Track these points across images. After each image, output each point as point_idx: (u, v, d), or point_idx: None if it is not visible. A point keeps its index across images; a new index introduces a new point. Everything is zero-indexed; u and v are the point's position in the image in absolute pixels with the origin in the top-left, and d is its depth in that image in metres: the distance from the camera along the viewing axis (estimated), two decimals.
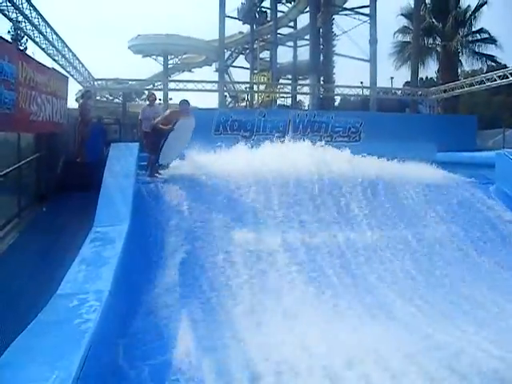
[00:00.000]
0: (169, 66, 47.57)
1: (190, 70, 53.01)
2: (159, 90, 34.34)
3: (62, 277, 6.21)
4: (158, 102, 18.23)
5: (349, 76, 60.26)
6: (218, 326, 7.28)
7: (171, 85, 32.69)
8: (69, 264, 6.66)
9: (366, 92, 34.14)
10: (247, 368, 6.19)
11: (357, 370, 6.26)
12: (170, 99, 38.29)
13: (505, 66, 32.34)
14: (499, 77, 22.97)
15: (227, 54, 50.06)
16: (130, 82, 36.38)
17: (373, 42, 40.30)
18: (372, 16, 40.97)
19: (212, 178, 11.96)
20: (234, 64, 53.85)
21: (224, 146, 13.75)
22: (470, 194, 13.34)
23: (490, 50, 32.18)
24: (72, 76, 23.49)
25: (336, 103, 48.64)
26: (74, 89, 21.14)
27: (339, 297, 8.67)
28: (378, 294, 9.02)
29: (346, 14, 44.88)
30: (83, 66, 25.38)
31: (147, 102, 15.72)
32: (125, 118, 29.45)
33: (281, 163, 12.73)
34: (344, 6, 43.71)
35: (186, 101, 12.99)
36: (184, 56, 49.19)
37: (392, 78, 39.24)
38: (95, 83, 27.83)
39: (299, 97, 44.49)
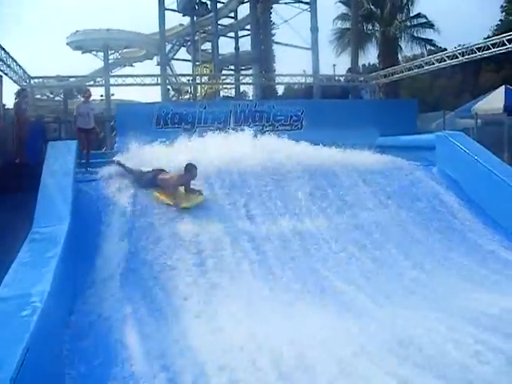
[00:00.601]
0: (109, 61, 46.77)
1: (131, 65, 52.31)
2: (101, 85, 33.86)
3: (1, 280, 6.05)
4: (100, 97, 17.93)
5: (292, 65, 60.23)
6: (164, 323, 7.26)
7: (113, 80, 32.26)
8: (8, 266, 6.50)
9: (310, 80, 34.30)
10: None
11: (300, 354, 6.33)
12: (113, 95, 37.85)
13: (444, 50, 33.00)
14: (437, 60, 23.34)
15: (168, 46, 49.51)
16: (71, 79, 35.83)
17: (313, 29, 40.44)
18: (312, 4, 41.11)
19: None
20: (175, 57, 53.39)
21: (166, 140, 13.63)
22: (412, 177, 13.55)
23: (428, 34, 32.72)
24: (6, 75, 22.97)
25: (280, 92, 48.88)
26: (11, 88, 20.59)
27: (285, 284, 8.79)
28: (322, 278, 9.13)
29: (286, 3, 44.98)
30: (17, 64, 24.80)
31: (82, 99, 15.52)
32: (66, 116, 28.94)
33: (223, 153, 12.72)
34: None
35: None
36: (125, 50, 48.49)
37: (334, 65, 39.61)
38: (32, 81, 27.25)
39: (243, 87, 44.52)
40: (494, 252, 10.74)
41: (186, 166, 10.96)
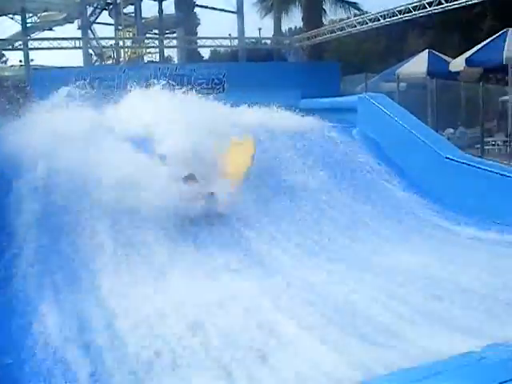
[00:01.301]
0: (28, 25, 44.97)
1: (50, 29, 50.42)
2: (19, 49, 32.58)
3: None
4: (19, 63, 17.28)
5: (218, 29, 59.49)
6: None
7: (31, 44, 31.04)
8: None
9: (235, 43, 33.87)
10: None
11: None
12: (32, 60, 36.48)
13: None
14: (359, 23, 23.31)
15: (89, 10, 47.99)
16: None
17: None
18: None
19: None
20: (97, 21, 51.81)
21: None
22: (333, 139, 13.57)
23: None
24: None
25: (206, 57, 48.25)
26: None
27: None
28: (246, 239, 9.10)
29: None
30: None
31: None
32: None
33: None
34: None
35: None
36: (43, 14, 46.67)
37: (260, 28, 39.04)
38: None
39: (168, 52, 43.62)
40: (410, 210, 10.93)
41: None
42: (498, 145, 16.37)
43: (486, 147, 15.43)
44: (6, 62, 50.70)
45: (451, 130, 17.12)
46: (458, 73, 20.72)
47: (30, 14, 45.79)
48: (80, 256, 8.11)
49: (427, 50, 24.20)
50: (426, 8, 19.71)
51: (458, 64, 20.59)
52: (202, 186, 9.99)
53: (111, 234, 8.63)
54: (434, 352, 4.91)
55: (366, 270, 7.79)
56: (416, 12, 20.26)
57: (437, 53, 24.26)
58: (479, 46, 20.24)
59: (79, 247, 8.30)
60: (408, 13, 20.58)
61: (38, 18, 47.23)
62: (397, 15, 21.08)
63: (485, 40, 20.48)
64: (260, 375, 5.32)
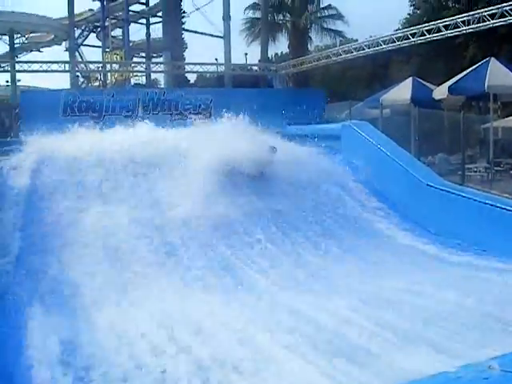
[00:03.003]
0: (15, 46, 45.09)
1: (38, 50, 50.65)
2: (6, 71, 32.66)
3: None
4: (5, 83, 17.46)
5: (205, 53, 59.95)
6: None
7: (18, 66, 31.07)
8: None
9: (222, 69, 34.14)
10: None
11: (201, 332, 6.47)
12: (19, 81, 36.58)
13: (355, 41, 33.57)
14: (345, 52, 23.67)
15: (78, 32, 48.30)
16: None
17: (226, 18, 40.37)
18: None
19: (57, 160, 11.65)
20: (85, 42, 52.08)
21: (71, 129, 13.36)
22: (317, 165, 13.76)
23: (338, 25, 33.12)
24: None
25: (192, 81, 48.55)
26: None
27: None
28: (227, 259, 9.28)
29: None
30: None
31: None
32: None
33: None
34: None
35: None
36: (32, 35, 46.82)
37: (246, 54, 39.47)
38: None
39: (155, 75, 43.88)
40: (390, 236, 11.12)
41: None
42: (479, 171, 16.62)
43: (468, 173, 15.65)
44: None
45: (434, 157, 17.38)
46: (441, 100, 21.12)
47: (18, 35, 45.87)
48: None
49: (411, 78, 24.57)
50: (410, 39, 20.15)
51: (441, 92, 20.96)
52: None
53: None
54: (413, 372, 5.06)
55: (342, 294, 7.92)
56: (400, 42, 20.67)
57: (421, 80, 24.65)
58: (462, 74, 20.64)
59: None
60: (392, 43, 20.97)
61: (26, 38, 47.29)
62: (381, 45, 21.47)
63: (468, 68, 20.88)
64: None
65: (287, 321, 7.16)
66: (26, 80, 39.34)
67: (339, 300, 7.80)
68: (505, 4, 16.33)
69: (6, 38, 44.74)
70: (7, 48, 45.04)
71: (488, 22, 17.28)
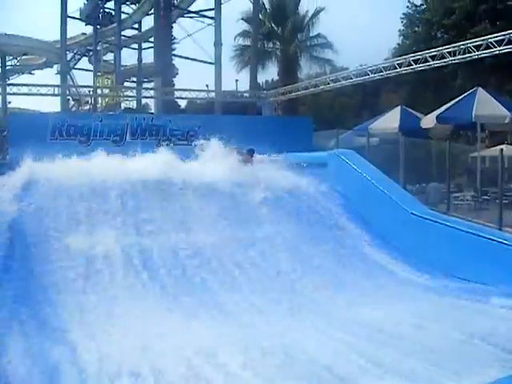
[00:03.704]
0: (7, 68, 45.28)
1: (30, 72, 50.91)
2: None
3: None
4: None
5: (196, 78, 60.29)
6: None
7: (9, 88, 31.22)
8: None
9: (212, 95, 34.35)
10: None
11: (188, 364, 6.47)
12: (9, 103, 36.65)
13: (345, 69, 33.91)
14: (332, 80, 23.95)
15: (70, 55, 48.59)
16: None
17: (217, 44, 40.70)
18: (216, 19, 41.37)
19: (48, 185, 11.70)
20: (76, 66, 52.37)
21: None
22: (303, 193, 13.78)
23: (327, 54, 33.52)
24: None
25: (183, 106, 48.79)
26: None
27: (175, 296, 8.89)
28: (213, 291, 9.25)
29: (190, 17, 45.10)
30: None
31: None
32: None
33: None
34: (189, 8, 43.98)
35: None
36: (23, 57, 47.06)
37: (237, 80, 39.68)
38: None
39: (145, 100, 44.11)
40: (378, 264, 11.16)
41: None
42: (467, 200, 16.68)
43: (456, 202, 15.72)
44: None
45: (423, 185, 17.44)
46: (429, 129, 21.31)
47: (10, 57, 46.06)
48: None
49: (400, 107, 24.78)
50: (397, 69, 20.43)
51: (429, 121, 21.18)
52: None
53: None
54: None
55: (330, 323, 7.94)
56: (387, 72, 20.95)
57: (409, 109, 24.87)
58: (449, 103, 20.85)
59: None
60: (379, 72, 21.24)
61: (18, 61, 47.50)
62: (369, 74, 21.74)
63: (456, 97, 21.11)
64: None
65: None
66: (16, 103, 39.38)
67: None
68: (490, 36, 16.59)
69: None
70: None
71: (473, 54, 17.56)
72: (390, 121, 23.54)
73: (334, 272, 10.75)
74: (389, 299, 9.27)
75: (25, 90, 28.60)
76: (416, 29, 44.13)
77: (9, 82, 40.48)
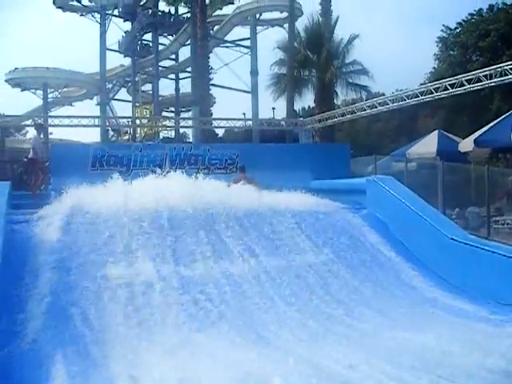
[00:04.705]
0: (49, 100, 46.41)
1: (70, 104, 52.05)
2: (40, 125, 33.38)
3: None
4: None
5: (234, 107, 60.96)
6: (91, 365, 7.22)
7: (50, 120, 31.90)
8: None
9: (249, 123, 34.69)
10: None
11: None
12: (51, 133, 37.50)
13: (382, 94, 34.00)
14: (369, 107, 24.05)
15: (109, 86, 49.65)
16: (7, 119, 35.32)
17: (254, 73, 41.26)
18: (252, 48, 42.03)
19: (89, 215, 11.78)
20: (115, 97, 53.40)
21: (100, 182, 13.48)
22: (343, 220, 13.82)
23: (363, 80, 33.53)
24: None
25: (220, 135, 49.24)
26: None
27: (219, 327, 8.87)
28: (256, 320, 9.26)
29: (227, 47, 45.81)
30: None
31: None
32: (4, 155, 28.45)
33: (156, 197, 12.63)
34: (225, 38, 44.67)
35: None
36: (64, 89, 48.21)
37: (274, 108, 39.98)
38: None
39: (183, 129, 44.70)
40: (417, 290, 11.11)
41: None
42: (507, 224, 16.52)
43: (496, 226, 15.59)
44: (25, 134, 51.86)
45: (463, 210, 17.32)
46: (467, 153, 21.24)
47: (52, 90, 47.20)
48: None
49: (437, 131, 24.77)
50: (433, 93, 20.44)
51: (467, 145, 21.11)
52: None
53: None
54: None
55: (368, 349, 7.90)
56: (423, 97, 20.97)
57: (446, 133, 24.85)
58: (487, 126, 20.78)
59: None
60: (416, 97, 21.28)
61: (59, 93, 48.63)
62: (405, 100, 21.79)
63: (493, 120, 21.02)
64: None
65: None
66: (57, 133, 40.30)
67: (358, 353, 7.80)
68: None
69: (40, 92, 46.13)
70: (41, 102, 46.36)
71: (510, 76, 17.50)
72: (427, 145, 23.54)
73: (374, 298, 10.72)
74: (427, 325, 9.19)
75: (66, 121, 29.21)
76: (451, 52, 44.16)
77: (50, 114, 41.33)
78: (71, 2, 45.31)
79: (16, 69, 45.35)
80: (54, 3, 44.95)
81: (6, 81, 45.97)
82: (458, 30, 44.10)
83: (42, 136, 18.62)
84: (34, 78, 45.07)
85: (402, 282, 11.63)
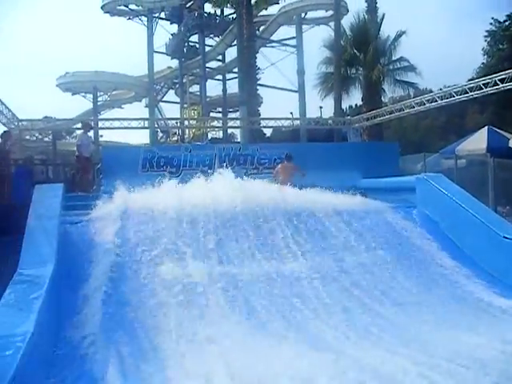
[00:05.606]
0: (98, 103, 47.25)
1: (119, 107, 52.84)
2: (91, 128, 34.09)
3: None
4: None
5: (281, 106, 61.07)
6: (147, 362, 7.38)
7: (101, 123, 32.52)
8: None
9: (296, 122, 34.76)
10: None
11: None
12: (101, 136, 38.23)
13: (430, 91, 33.66)
14: (417, 104, 23.91)
15: (157, 89, 50.28)
16: (58, 122, 36.13)
17: (300, 72, 41.33)
18: (298, 47, 42.09)
19: (141, 214, 11.96)
20: (164, 99, 54.02)
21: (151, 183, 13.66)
22: (393, 219, 13.74)
23: (410, 77, 33.33)
24: None
25: (268, 134, 49.40)
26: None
27: (270, 327, 8.93)
28: (308, 323, 9.29)
29: (273, 46, 45.95)
30: (6, 107, 25.32)
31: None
32: (56, 158, 29.15)
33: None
34: (271, 37, 44.82)
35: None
36: (113, 92, 49.00)
37: (321, 107, 39.88)
38: (20, 124, 27.51)
39: (231, 129, 44.99)
40: (472, 293, 10.96)
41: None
42: None
43: None
44: (75, 137, 52.83)
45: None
46: None
47: (101, 93, 48.04)
48: None
49: (486, 127, 24.46)
50: (482, 89, 20.23)
51: None
52: None
53: None
54: None
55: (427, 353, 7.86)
56: (472, 93, 20.77)
57: (496, 129, 24.50)
58: None
59: None
60: (465, 94, 21.09)
61: (109, 96, 49.44)
62: (454, 96, 21.61)
63: None
64: None
65: None
66: (107, 136, 41.01)
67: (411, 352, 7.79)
68: None
69: (90, 95, 46.99)
70: (91, 105, 47.23)
71: None
72: (477, 142, 23.28)
73: (427, 297, 10.66)
74: (481, 326, 9.11)
75: (116, 123, 29.75)
76: (500, 46, 43.42)
77: (100, 117, 42.12)
78: (119, 7, 45.96)
79: (67, 73, 46.27)
80: (101, 8, 45.69)
81: (57, 85, 46.93)
82: (507, 23, 43.34)
83: (89, 134, 19.32)
84: (84, 83, 45.89)
85: (455, 281, 11.50)
